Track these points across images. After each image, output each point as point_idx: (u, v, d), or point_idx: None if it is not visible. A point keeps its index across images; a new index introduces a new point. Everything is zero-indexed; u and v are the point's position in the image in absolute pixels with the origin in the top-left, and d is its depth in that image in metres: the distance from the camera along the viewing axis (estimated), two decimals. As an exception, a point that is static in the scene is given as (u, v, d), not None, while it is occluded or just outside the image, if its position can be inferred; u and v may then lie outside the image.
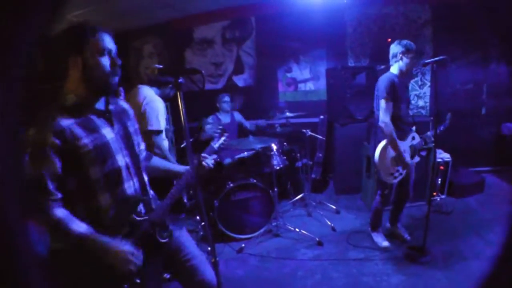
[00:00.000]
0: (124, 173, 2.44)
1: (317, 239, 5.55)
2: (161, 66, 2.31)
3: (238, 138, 7.31)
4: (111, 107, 2.48)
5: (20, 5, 1.25)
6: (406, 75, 4.83)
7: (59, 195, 2.22)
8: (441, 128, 4.89)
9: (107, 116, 2.43)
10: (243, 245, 5.53)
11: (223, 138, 3.07)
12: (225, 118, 7.35)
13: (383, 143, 4.85)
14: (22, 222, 1.48)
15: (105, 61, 2.30)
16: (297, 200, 7.07)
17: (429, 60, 4.52)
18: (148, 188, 2.66)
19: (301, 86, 8.86)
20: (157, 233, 2.54)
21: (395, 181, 4.94)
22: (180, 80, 2.39)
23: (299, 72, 8.77)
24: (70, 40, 2.25)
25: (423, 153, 6.24)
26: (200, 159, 2.82)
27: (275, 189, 5.85)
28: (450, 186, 6.92)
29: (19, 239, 1.40)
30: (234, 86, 9.03)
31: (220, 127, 3.12)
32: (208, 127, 7.08)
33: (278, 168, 6.02)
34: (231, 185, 5.65)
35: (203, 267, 2.88)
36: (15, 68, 1.36)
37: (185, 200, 3.30)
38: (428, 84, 8.29)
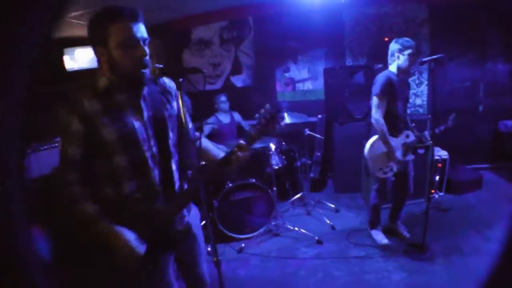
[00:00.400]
0: (150, 162, 2.39)
1: (317, 238, 5.59)
2: (161, 66, 2.26)
3: (237, 138, 7.31)
4: (145, 91, 2.40)
5: (21, 5, 1.25)
6: (405, 72, 4.84)
7: (78, 175, 2.26)
8: (441, 128, 4.88)
9: (138, 103, 2.36)
10: (243, 245, 5.55)
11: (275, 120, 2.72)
12: (224, 119, 7.35)
13: (374, 137, 4.93)
14: (26, 227, 1.49)
15: (130, 53, 2.18)
16: (296, 199, 7.08)
17: (427, 58, 4.56)
18: (174, 178, 2.57)
19: (299, 86, 8.86)
20: (171, 226, 2.54)
21: (386, 176, 4.98)
22: (180, 80, 2.33)
23: (297, 72, 8.77)
24: (93, 30, 2.19)
25: (421, 151, 6.27)
26: (236, 149, 2.50)
27: (274, 189, 5.87)
28: (448, 184, 6.96)
29: (23, 243, 1.41)
30: (232, 86, 9.03)
31: (270, 111, 2.75)
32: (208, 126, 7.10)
33: (277, 167, 6.03)
34: (230, 185, 5.66)
35: (203, 264, 2.92)
36: (17, 69, 1.36)
37: None
38: (426, 82, 8.31)
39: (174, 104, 2.63)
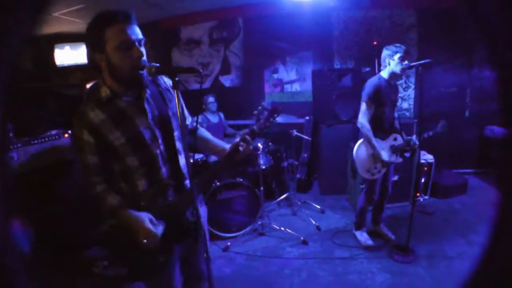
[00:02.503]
0: (160, 159, 2.50)
1: (302, 238, 5.60)
2: (158, 65, 2.29)
3: (225, 137, 7.33)
4: (147, 92, 2.47)
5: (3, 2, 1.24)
6: (397, 77, 4.89)
7: (100, 176, 2.43)
8: (430, 133, 4.90)
9: (142, 105, 2.43)
10: (228, 243, 5.55)
11: (272, 117, 2.89)
12: (213, 118, 7.36)
13: (361, 140, 4.99)
14: (6, 221, 1.48)
15: (127, 55, 2.22)
16: (282, 199, 7.08)
17: (414, 63, 4.60)
18: (183, 173, 2.67)
19: (288, 87, 8.91)
20: (182, 218, 2.61)
21: (373, 177, 5.02)
22: (177, 79, 2.34)
23: (286, 73, 8.82)
24: (90, 38, 2.24)
25: (407, 154, 6.31)
26: (239, 143, 2.69)
27: (261, 188, 5.88)
28: (434, 187, 7.00)
29: (3, 238, 1.41)
30: (220, 86, 9.05)
31: (268, 108, 2.94)
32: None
33: (264, 167, 6.04)
34: (218, 183, 5.66)
35: (202, 260, 2.94)
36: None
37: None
38: (413, 86, 8.37)
39: (175, 101, 2.65)
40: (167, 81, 2.71)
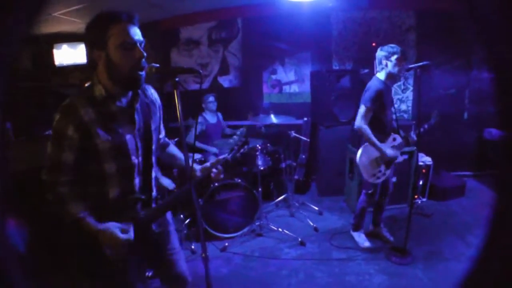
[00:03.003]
0: (135, 170, 2.49)
1: (300, 239, 5.60)
2: (158, 65, 2.30)
3: (223, 138, 7.32)
4: (137, 104, 2.48)
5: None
6: (394, 78, 4.86)
7: (67, 177, 2.34)
8: (425, 126, 4.89)
9: (130, 114, 2.44)
10: (226, 244, 5.56)
11: (243, 148, 3.04)
12: (211, 119, 7.35)
13: (362, 148, 4.94)
14: (2, 220, 1.48)
15: (128, 55, 2.24)
16: (280, 200, 7.11)
17: (412, 65, 4.60)
18: (152, 186, 2.69)
19: (286, 88, 8.90)
20: (148, 230, 2.61)
21: (378, 181, 5.00)
22: (176, 79, 2.35)
23: (284, 74, 8.81)
24: (92, 34, 2.24)
25: (405, 156, 6.31)
26: (211, 169, 2.84)
27: (259, 189, 5.88)
28: (432, 189, 7.00)
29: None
30: (219, 86, 9.05)
31: (243, 139, 3.08)
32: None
33: (262, 168, 6.04)
34: (216, 184, 5.65)
35: (181, 262, 2.98)
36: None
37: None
38: (411, 88, 8.38)
39: (158, 115, 2.73)
40: (153, 93, 2.74)
